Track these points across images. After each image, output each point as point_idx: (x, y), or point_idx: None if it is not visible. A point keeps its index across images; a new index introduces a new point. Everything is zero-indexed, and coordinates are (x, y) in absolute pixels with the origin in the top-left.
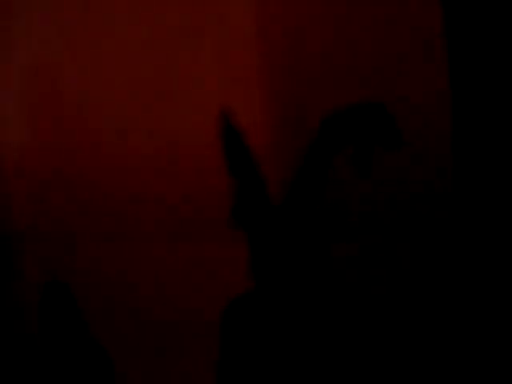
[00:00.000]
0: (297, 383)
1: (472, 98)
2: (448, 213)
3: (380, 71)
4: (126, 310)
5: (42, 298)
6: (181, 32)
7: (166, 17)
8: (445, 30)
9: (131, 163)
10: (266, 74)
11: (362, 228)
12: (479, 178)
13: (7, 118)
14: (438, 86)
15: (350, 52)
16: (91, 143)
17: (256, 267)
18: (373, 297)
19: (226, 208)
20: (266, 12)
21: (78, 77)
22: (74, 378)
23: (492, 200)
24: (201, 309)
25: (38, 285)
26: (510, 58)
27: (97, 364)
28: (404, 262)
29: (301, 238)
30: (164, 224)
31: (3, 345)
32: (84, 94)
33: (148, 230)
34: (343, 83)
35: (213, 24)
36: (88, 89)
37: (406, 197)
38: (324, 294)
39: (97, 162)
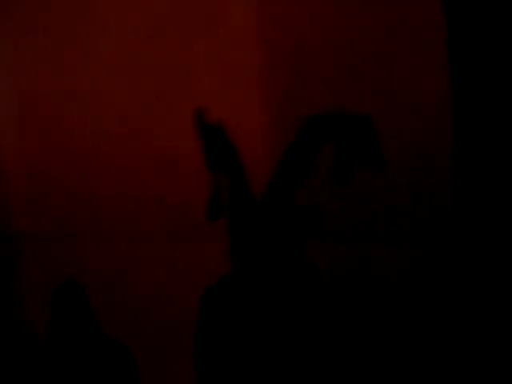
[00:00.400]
0: (271, 365)
1: (472, 98)
2: (448, 212)
3: (380, 71)
4: (126, 309)
5: (56, 299)
6: (181, 32)
7: (166, 17)
8: (446, 31)
9: (131, 163)
10: (266, 73)
11: (355, 229)
12: (481, 177)
13: (7, 118)
14: (437, 86)
15: (350, 52)
16: (91, 144)
17: (235, 256)
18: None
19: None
20: (266, 12)
21: (79, 78)
22: (100, 377)
23: (494, 200)
24: None
25: (47, 286)
26: (510, 59)
27: (121, 362)
28: (404, 265)
29: (278, 231)
30: (164, 224)
31: (3, 344)
32: (84, 95)
33: (148, 229)
34: (343, 83)
35: (213, 24)
36: (88, 89)
37: (405, 197)
38: (298, 282)
39: (97, 162)
